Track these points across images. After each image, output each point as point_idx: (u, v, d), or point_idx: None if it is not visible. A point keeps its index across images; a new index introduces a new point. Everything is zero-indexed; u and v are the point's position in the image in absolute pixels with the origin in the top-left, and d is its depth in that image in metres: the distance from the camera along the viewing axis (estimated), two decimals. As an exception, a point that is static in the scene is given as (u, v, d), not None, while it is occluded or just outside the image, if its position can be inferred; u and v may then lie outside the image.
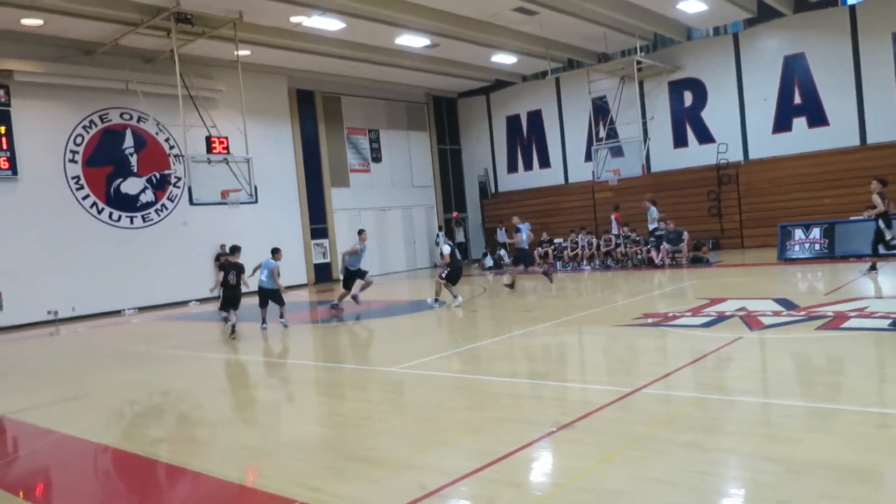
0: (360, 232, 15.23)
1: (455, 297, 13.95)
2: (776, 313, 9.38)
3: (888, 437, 4.60)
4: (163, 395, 8.61)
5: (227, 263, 12.68)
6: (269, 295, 12.86)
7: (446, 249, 14.27)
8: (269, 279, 12.74)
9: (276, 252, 13.04)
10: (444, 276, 13.97)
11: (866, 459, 4.15)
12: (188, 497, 4.87)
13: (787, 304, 9.99)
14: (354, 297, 14.76)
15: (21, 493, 5.07)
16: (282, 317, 12.85)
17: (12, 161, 17.09)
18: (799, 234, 16.99)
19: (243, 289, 12.57)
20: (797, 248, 16.88)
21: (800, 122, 20.77)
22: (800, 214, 19.04)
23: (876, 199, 12.62)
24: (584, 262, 20.59)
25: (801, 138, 20.68)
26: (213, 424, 6.73)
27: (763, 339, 8.05)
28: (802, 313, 9.16)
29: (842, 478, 3.92)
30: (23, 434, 6.80)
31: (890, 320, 8.00)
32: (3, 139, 16.97)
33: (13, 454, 6.12)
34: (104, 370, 10.38)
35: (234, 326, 12.15)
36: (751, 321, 8.92)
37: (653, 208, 20.07)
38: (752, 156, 21.76)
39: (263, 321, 12.92)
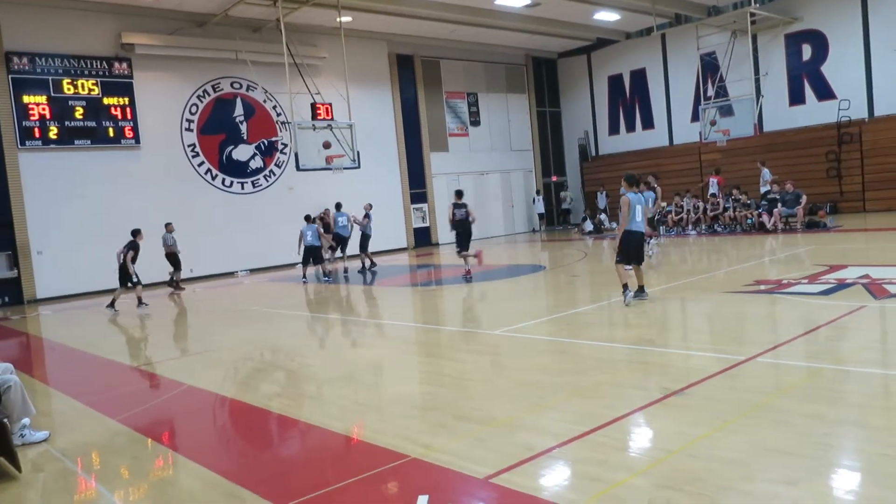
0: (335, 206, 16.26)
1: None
2: (904, 281, 8.77)
3: None
4: (275, 351, 9.07)
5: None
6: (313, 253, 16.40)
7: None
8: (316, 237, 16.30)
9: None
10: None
11: None
12: (304, 447, 5.14)
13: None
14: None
15: (152, 438, 5.50)
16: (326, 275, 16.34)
17: (135, 130, 18.19)
18: (931, 196, 15.72)
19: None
20: (929, 211, 15.65)
21: (935, 75, 19.06)
22: (932, 175, 17.60)
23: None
24: (690, 227, 19.90)
25: (937, 92, 18.99)
26: (323, 381, 7.03)
27: (889, 308, 7.56)
28: (935, 281, 8.53)
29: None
30: (155, 385, 7.35)
31: None
32: (128, 110, 18.07)
33: (146, 403, 6.64)
34: (222, 328, 11.02)
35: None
36: (875, 289, 8.38)
37: (765, 170, 19.11)
38: (878, 112, 20.18)
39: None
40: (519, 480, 3.83)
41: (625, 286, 9.08)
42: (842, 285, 8.88)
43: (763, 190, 18.71)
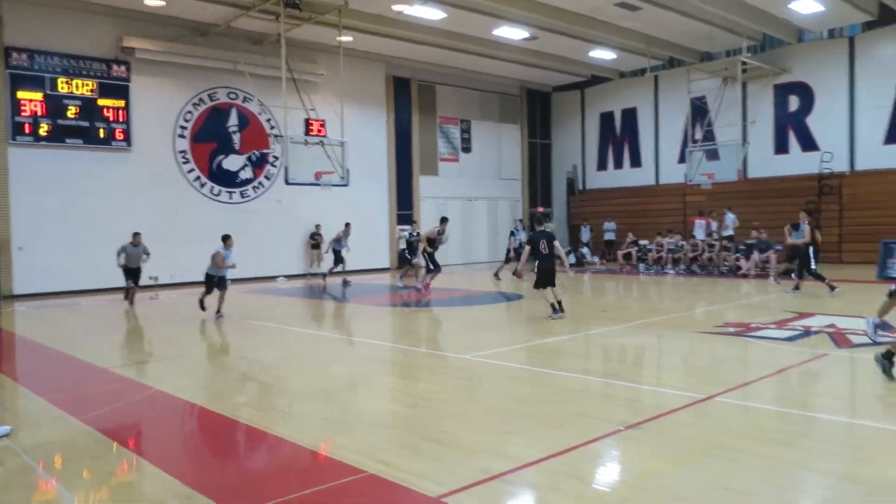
0: (227, 238, 13.15)
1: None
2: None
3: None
4: (248, 362, 9.11)
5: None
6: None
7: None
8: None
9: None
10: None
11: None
12: (265, 458, 5.20)
13: (882, 325, 9.52)
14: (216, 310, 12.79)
15: (118, 442, 5.53)
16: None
17: (128, 133, 18.26)
18: (903, 252, 16.07)
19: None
20: (900, 266, 15.99)
21: (915, 134, 19.55)
22: (908, 232, 17.97)
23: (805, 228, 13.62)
24: (668, 266, 20.16)
25: (916, 151, 19.47)
26: (295, 394, 7.09)
27: (850, 357, 7.76)
28: (898, 335, 8.74)
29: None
30: (122, 387, 7.37)
31: None
32: (122, 112, 18.15)
33: (113, 405, 6.66)
34: (197, 335, 11.04)
35: None
36: (839, 338, 8.59)
37: (730, 215, 19.64)
38: (858, 167, 20.65)
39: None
40: (470, 501, 3.92)
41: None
42: (808, 332, 9.09)
43: (725, 234, 19.29)
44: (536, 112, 28.96)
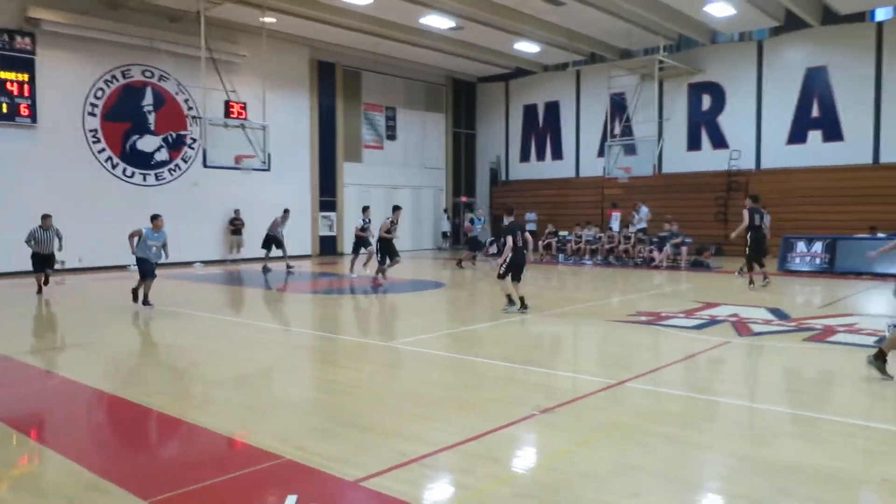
0: (155, 218, 12.39)
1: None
2: (767, 322, 9.56)
3: (854, 446, 4.78)
4: (163, 349, 8.86)
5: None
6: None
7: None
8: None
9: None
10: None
11: (830, 465, 4.34)
12: (179, 445, 5.10)
13: (780, 314, 10.17)
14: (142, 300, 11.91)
15: (20, 431, 5.30)
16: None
17: (33, 109, 17.29)
18: (801, 246, 17.10)
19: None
20: (798, 260, 17.02)
21: (815, 136, 20.77)
22: (806, 228, 19.11)
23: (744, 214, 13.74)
24: (587, 257, 20.76)
25: (815, 152, 20.70)
26: (211, 381, 6.95)
27: (750, 345, 8.23)
28: (793, 324, 9.34)
29: (802, 478, 4.12)
30: (27, 375, 7.05)
31: (876, 338, 8.15)
32: (26, 87, 17.15)
33: (14, 393, 6.37)
34: (107, 322, 10.63)
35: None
36: (741, 327, 9.11)
37: (644, 208, 20.38)
38: (764, 165, 21.79)
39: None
40: (388, 484, 3.98)
41: None
42: (713, 321, 9.59)
43: (639, 227, 19.97)
44: (461, 102, 29.14)
